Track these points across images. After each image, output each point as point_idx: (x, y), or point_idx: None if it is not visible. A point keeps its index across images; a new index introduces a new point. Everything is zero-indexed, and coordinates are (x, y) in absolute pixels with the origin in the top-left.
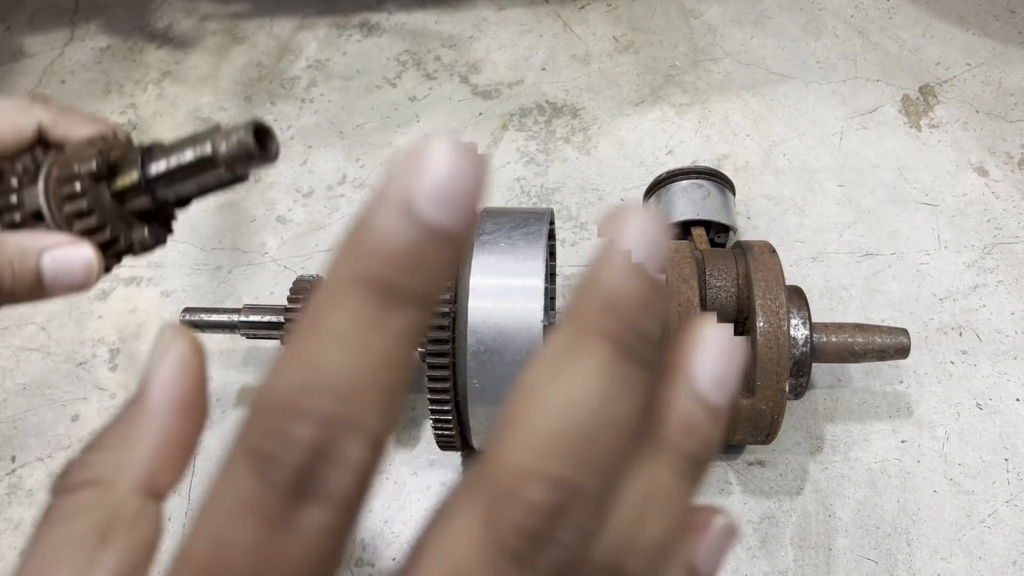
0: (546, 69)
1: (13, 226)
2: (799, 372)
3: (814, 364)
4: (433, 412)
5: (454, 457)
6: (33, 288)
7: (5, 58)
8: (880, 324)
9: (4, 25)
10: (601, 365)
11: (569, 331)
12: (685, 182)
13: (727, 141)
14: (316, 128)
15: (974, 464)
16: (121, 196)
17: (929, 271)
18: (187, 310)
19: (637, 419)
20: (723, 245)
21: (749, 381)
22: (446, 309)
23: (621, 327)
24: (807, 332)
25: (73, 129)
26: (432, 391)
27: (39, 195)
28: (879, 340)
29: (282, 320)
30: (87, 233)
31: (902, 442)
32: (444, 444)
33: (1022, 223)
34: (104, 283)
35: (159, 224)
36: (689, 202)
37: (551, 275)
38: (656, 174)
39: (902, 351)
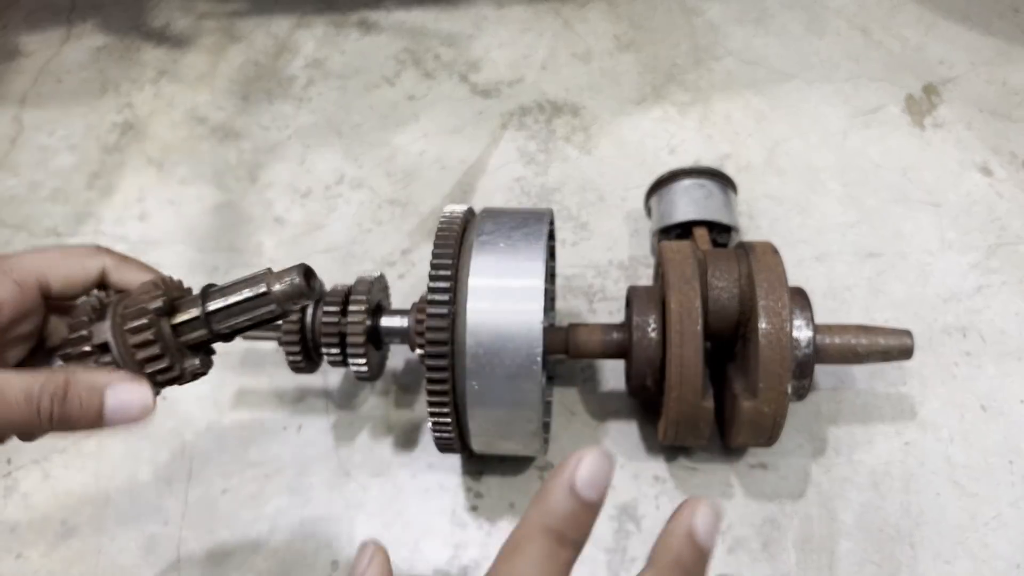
0: (546, 68)
1: (83, 356)
2: (802, 374)
3: (817, 366)
4: (432, 414)
5: (453, 459)
6: (94, 420)
7: (1, 57)
8: (884, 325)
9: (0, 24)
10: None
11: (519, 531)
12: (687, 182)
13: (729, 140)
14: (314, 127)
15: (978, 466)
16: (179, 329)
17: (933, 271)
18: None
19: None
20: (725, 245)
21: (751, 383)
22: (445, 311)
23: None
24: (810, 333)
25: (129, 275)
26: (431, 393)
27: (107, 330)
28: (883, 341)
29: (279, 321)
30: (148, 361)
31: (906, 444)
32: (443, 446)
33: None
34: None
35: (204, 354)
36: (691, 202)
37: (551, 276)
38: (658, 174)
39: (906, 352)
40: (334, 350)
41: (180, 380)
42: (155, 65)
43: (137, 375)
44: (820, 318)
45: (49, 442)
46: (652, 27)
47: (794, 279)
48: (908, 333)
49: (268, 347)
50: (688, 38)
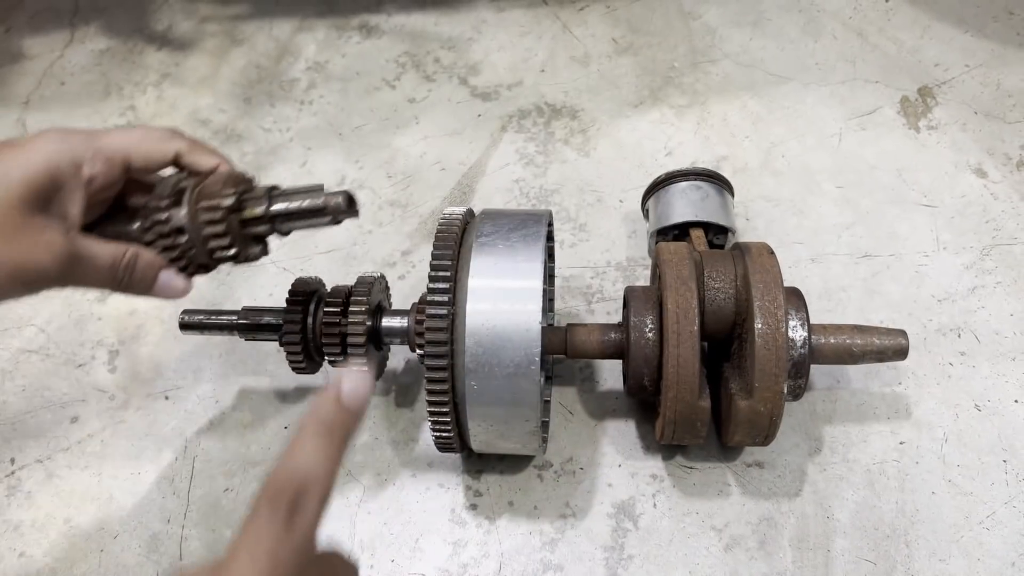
0: (545, 71)
1: (162, 236)
2: (797, 374)
3: (812, 366)
4: (431, 414)
5: (453, 458)
6: (146, 290)
7: (5, 60)
8: (879, 325)
9: (4, 27)
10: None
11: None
12: (684, 184)
13: (726, 142)
14: (315, 130)
15: (973, 465)
16: (245, 224)
17: (928, 272)
18: (186, 312)
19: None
20: (722, 247)
21: (748, 383)
22: (444, 311)
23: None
24: (805, 333)
25: (200, 159)
26: (430, 393)
27: (184, 217)
28: (878, 341)
29: (281, 322)
30: (217, 248)
31: (901, 443)
32: (442, 446)
33: (1021, 224)
34: None
35: (263, 244)
36: (688, 204)
37: (550, 277)
38: (655, 175)
39: (900, 352)
40: (335, 351)
41: (237, 262)
42: (158, 68)
43: (181, 273)
44: (816, 318)
45: (53, 441)
46: (650, 30)
47: (790, 280)
48: (903, 333)
49: (269, 347)
50: (685, 41)
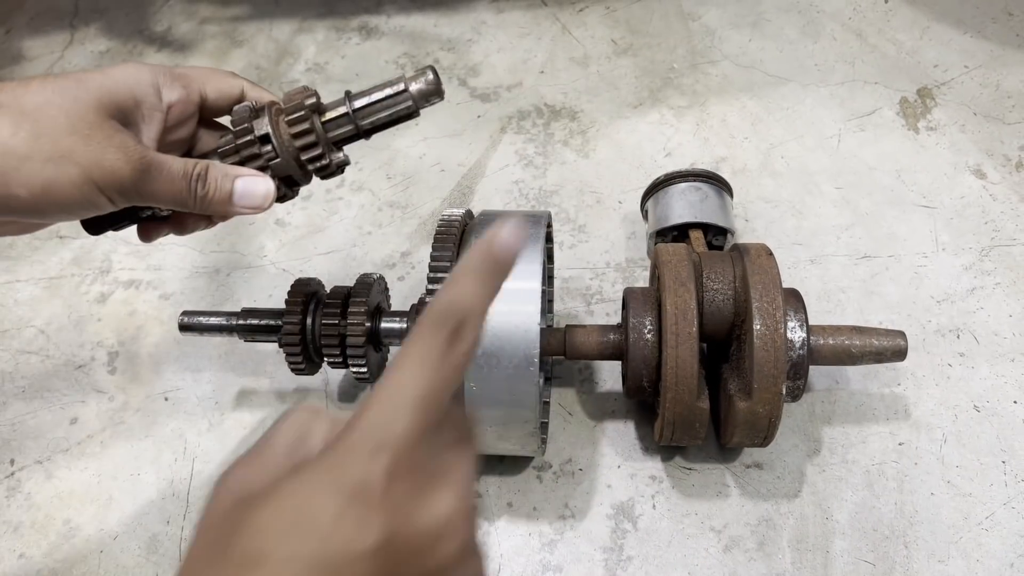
0: (544, 72)
1: (247, 145)
2: (796, 375)
3: (811, 367)
4: None
5: None
6: (226, 201)
7: (5, 61)
8: (877, 326)
9: (4, 28)
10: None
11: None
12: (683, 185)
13: (725, 144)
14: None
15: (971, 466)
16: (328, 125)
17: (927, 273)
18: (185, 313)
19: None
20: (721, 248)
21: (746, 384)
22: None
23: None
24: (804, 335)
25: (263, 94)
26: None
27: (266, 124)
28: (876, 342)
29: (280, 323)
30: (303, 149)
31: (900, 444)
32: None
33: (1020, 225)
34: (103, 286)
35: (344, 154)
36: (687, 205)
37: (549, 278)
38: (654, 177)
39: (899, 353)
40: (334, 352)
41: (327, 169)
42: None
43: (261, 173)
44: (814, 319)
45: (52, 442)
46: (649, 32)
47: (788, 281)
48: (902, 334)
49: (269, 348)
50: (685, 42)
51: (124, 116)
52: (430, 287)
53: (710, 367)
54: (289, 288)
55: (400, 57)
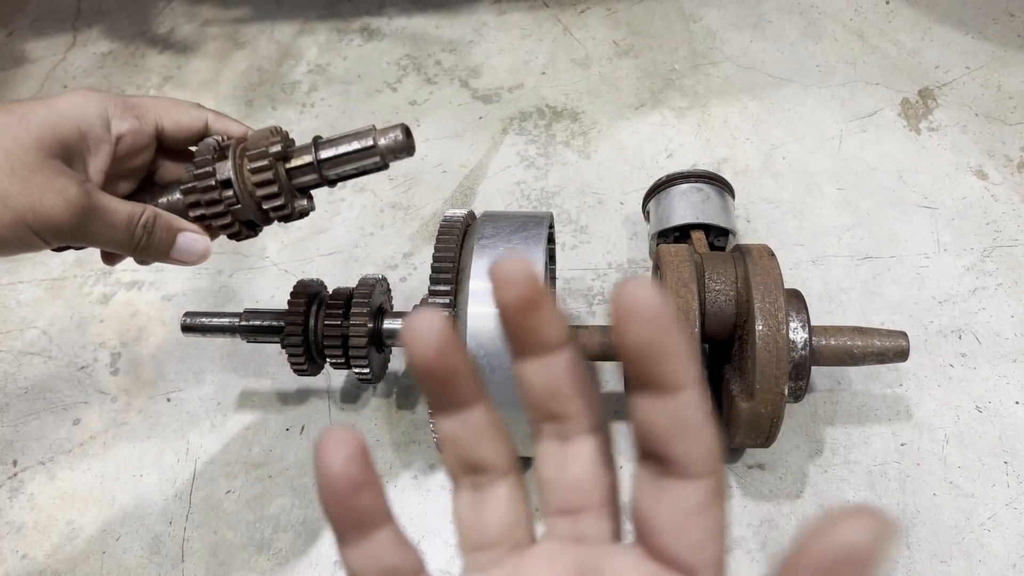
0: (546, 73)
1: (207, 189)
2: (798, 375)
3: (813, 367)
4: (432, 416)
5: None
6: (163, 254)
7: (7, 63)
8: (879, 327)
9: (6, 31)
10: None
11: None
12: (684, 186)
13: (726, 145)
14: (317, 132)
15: (973, 467)
16: (292, 173)
17: (928, 274)
18: (188, 314)
19: None
20: (722, 248)
21: (748, 384)
22: (445, 314)
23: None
24: (806, 335)
25: (227, 126)
26: None
27: (229, 168)
28: (878, 343)
29: (283, 324)
30: (266, 198)
31: (901, 445)
32: None
33: (1021, 226)
34: (105, 287)
35: (310, 198)
36: (688, 206)
37: (551, 279)
38: (656, 178)
39: (901, 354)
40: (336, 353)
41: (290, 217)
42: (160, 71)
43: (202, 229)
44: (816, 320)
45: (55, 443)
46: (650, 33)
47: (790, 282)
48: (903, 335)
49: (271, 349)
50: (686, 44)
51: (68, 151)
52: (432, 288)
53: (712, 368)
54: (291, 289)
55: (402, 59)
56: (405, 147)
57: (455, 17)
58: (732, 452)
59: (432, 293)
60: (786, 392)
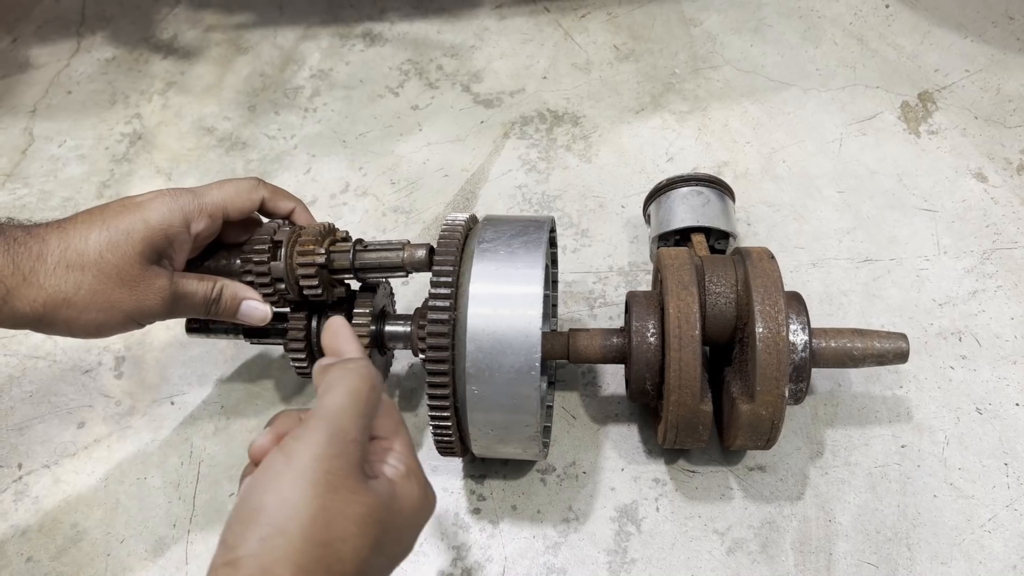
0: (547, 77)
1: (266, 283)
2: (799, 377)
3: (813, 369)
4: (433, 418)
5: (456, 463)
6: (231, 316)
7: (12, 69)
8: (879, 329)
9: (11, 37)
10: None
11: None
12: (685, 189)
13: (727, 148)
14: (319, 137)
15: (974, 469)
16: (332, 272)
17: (928, 276)
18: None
19: None
20: (723, 251)
21: (749, 386)
22: (446, 316)
23: None
24: (806, 337)
25: (280, 204)
26: (432, 397)
27: (282, 269)
28: (878, 345)
29: (285, 327)
30: (310, 295)
31: (902, 447)
32: (444, 450)
33: (1021, 228)
34: None
35: (347, 286)
36: (689, 209)
37: (552, 282)
38: (656, 181)
39: (901, 356)
40: None
41: (324, 304)
42: (163, 76)
43: (263, 297)
44: (816, 322)
45: (59, 447)
46: (651, 37)
47: (791, 284)
48: (904, 337)
49: (274, 352)
50: (686, 48)
51: (160, 255)
52: (432, 291)
53: (713, 370)
54: None
55: (404, 63)
56: (426, 266)
57: (456, 22)
58: (733, 454)
59: (433, 296)
60: (787, 394)
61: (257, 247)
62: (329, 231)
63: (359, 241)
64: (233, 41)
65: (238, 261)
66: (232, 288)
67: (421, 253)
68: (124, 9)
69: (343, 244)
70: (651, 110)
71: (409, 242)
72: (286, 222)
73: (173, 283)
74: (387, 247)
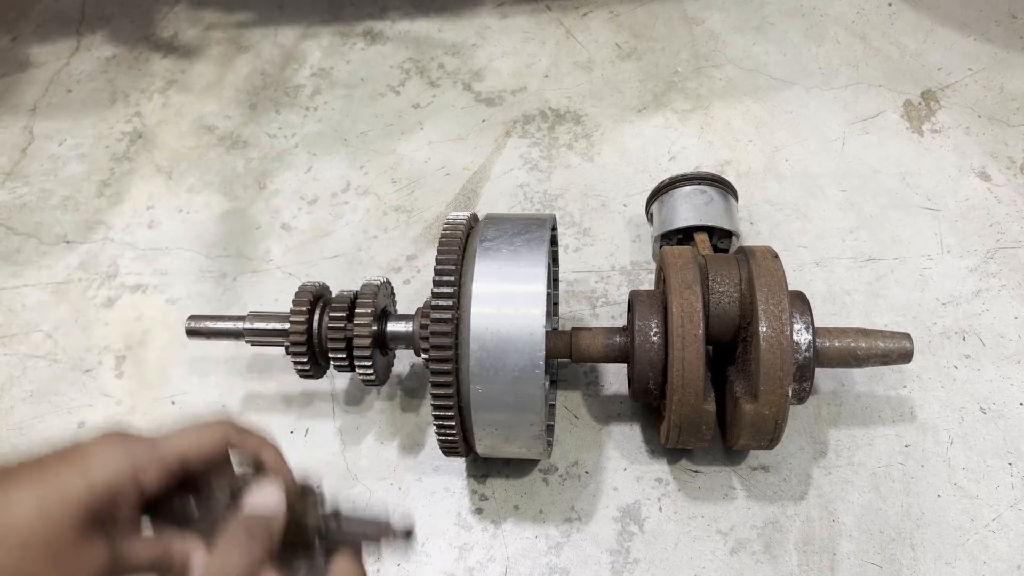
0: (549, 76)
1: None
2: (802, 377)
3: (817, 369)
4: (437, 418)
5: (458, 463)
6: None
7: (12, 68)
8: (883, 329)
9: (11, 36)
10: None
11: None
12: (688, 188)
13: (729, 147)
14: (320, 136)
15: (978, 468)
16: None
17: (932, 276)
18: (192, 317)
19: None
20: (726, 250)
21: (752, 386)
22: (448, 316)
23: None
24: (810, 337)
25: (247, 442)
26: (435, 397)
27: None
28: (882, 345)
29: (287, 327)
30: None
31: (906, 447)
32: (448, 450)
33: None
34: (110, 291)
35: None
36: (692, 208)
37: (554, 281)
38: (659, 180)
39: (905, 356)
40: (341, 355)
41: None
42: (163, 75)
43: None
44: (820, 322)
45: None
46: (653, 36)
47: (794, 283)
48: (907, 336)
49: (275, 352)
50: (689, 46)
51: (101, 517)
52: (435, 290)
53: (716, 369)
54: (295, 292)
55: (405, 62)
56: (404, 549)
57: (458, 21)
58: (736, 454)
59: (435, 296)
60: (790, 394)
61: (219, 494)
62: (298, 491)
63: (335, 511)
64: (233, 40)
65: (198, 516)
66: (184, 550)
67: (401, 537)
68: (124, 7)
69: (313, 514)
70: (653, 109)
71: (390, 524)
72: (253, 471)
73: (113, 555)
74: (365, 519)
